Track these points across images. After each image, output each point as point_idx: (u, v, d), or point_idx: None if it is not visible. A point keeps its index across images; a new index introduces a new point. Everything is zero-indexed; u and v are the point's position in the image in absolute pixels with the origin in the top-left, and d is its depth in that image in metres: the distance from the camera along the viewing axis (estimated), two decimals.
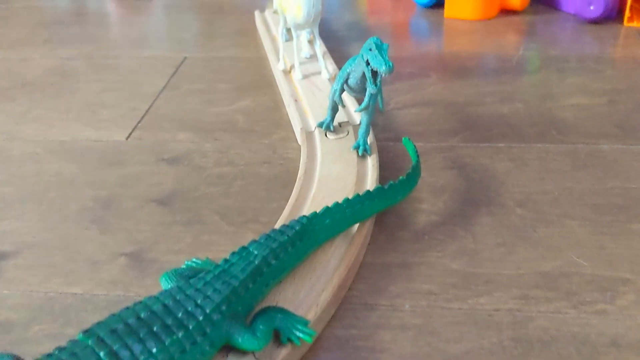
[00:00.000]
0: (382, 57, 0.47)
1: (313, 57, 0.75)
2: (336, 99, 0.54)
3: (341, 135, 0.58)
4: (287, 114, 0.67)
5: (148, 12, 1.04)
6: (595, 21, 0.87)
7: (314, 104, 0.65)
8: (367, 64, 0.49)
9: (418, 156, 0.50)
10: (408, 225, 0.49)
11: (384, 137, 0.62)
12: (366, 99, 0.53)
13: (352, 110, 0.63)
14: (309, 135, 0.59)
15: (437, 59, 0.79)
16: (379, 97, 0.53)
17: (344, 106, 0.55)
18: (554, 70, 0.75)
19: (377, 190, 0.46)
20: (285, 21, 0.72)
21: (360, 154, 0.55)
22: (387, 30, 0.91)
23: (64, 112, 0.71)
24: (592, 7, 0.85)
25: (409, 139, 0.54)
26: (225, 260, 0.38)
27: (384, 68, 0.47)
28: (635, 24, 0.86)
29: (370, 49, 0.48)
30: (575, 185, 0.53)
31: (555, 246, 0.46)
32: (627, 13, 0.85)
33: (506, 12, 0.94)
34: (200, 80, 0.77)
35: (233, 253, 0.39)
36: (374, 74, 0.49)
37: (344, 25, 0.93)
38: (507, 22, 0.91)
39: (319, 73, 0.71)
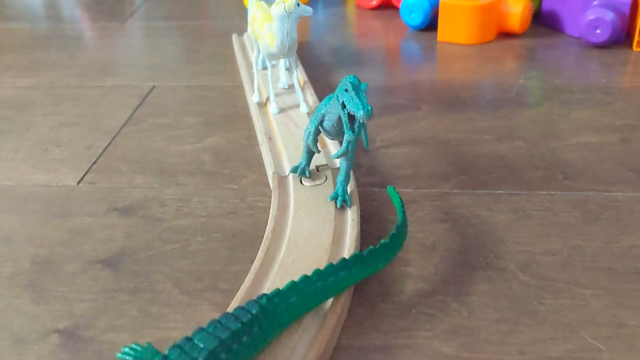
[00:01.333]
0: (360, 100, 0.41)
1: (291, 87, 0.69)
2: (310, 143, 0.48)
3: (318, 182, 0.52)
4: (260, 151, 0.61)
5: (120, 36, 0.98)
6: (601, 45, 0.81)
7: (290, 143, 0.58)
8: (343, 106, 0.42)
9: (404, 213, 0.44)
10: (392, 296, 0.42)
11: (367, 181, 0.56)
12: (344, 144, 0.46)
13: (331, 153, 0.56)
14: (281, 180, 0.53)
15: (428, 89, 0.73)
16: (363, 134, 0.47)
17: (318, 151, 0.49)
18: (557, 103, 0.68)
19: (355, 258, 0.39)
20: (259, 49, 0.65)
21: (338, 206, 0.48)
22: (376, 55, 0.85)
23: (12, 150, 0.64)
24: (598, 31, 0.79)
25: (394, 189, 0.47)
26: (164, 357, 0.32)
27: (361, 113, 0.40)
28: None
29: (347, 90, 0.42)
30: (586, 243, 0.46)
31: (565, 323, 0.39)
32: (636, 37, 0.79)
33: (504, 35, 0.88)
34: (167, 113, 0.71)
35: (173, 346, 0.32)
36: (351, 118, 0.43)
37: (328, 50, 0.87)
38: (506, 46, 0.85)
39: (298, 106, 0.65)
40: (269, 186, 0.55)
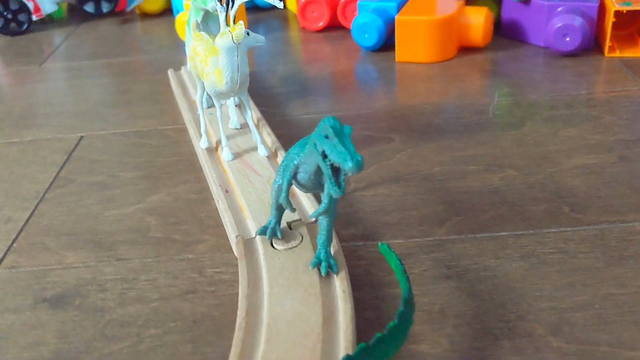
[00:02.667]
0: (346, 148, 0.33)
1: (244, 125, 0.61)
2: (282, 201, 0.40)
3: (293, 244, 0.43)
4: (215, 207, 0.52)
5: (38, 80, 0.87)
6: (571, 54, 0.76)
7: (251, 195, 0.50)
8: (324, 156, 0.34)
9: (408, 280, 0.36)
10: None
11: (348, 234, 0.48)
12: (324, 200, 0.38)
13: (305, 205, 0.48)
14: (248, 245, 0.44)
15: (397, 116, 0.66)
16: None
17: (293, 210, 0.41)
18: (541, 121, 0.63)
19: (360, 351, 0.31)
20: (203, 86, 0.57)
21: (323, 274, 0.40)
22: (331, 81, 0.77)
23: None
24: (567, 39, 0.74)
25: (388, 246, 0.39)
26: None
27: (350, 165, 0.32)
28: (617, 53, 0.76)
29: (327, 136, 0.34)
30: (618, 290, 0.40)
31: None
32: (607, 42, 0.75)
33: (465, 50, 0.82)
34: (100, 169, 0.61)
35: None
36: (336, 170, 0.35)
37: (278, 80, 0.79)
38: (470, 62, 0.79)
39: (255, 149, 0.56)
40: (232, 251, 0.47)
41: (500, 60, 0.79)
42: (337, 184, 0.35)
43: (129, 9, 1.06)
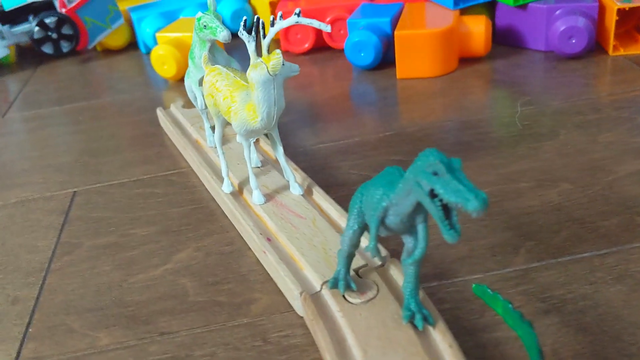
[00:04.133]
0: (464, 185, 0.29)
1: (264, 163, 0.56)
2: (371, 250, 0.35)
3: (370, 295, 0.39)
4: (256, 260, 0.47)
5: (4, 133, 0.79)
6: (576, 56, 0.75)
7: (302, 242, 0.45)
8: (433, 196, 0.30)
9: (531, 325, 0.32)
10: None
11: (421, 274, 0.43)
12: (421, 244, 0.34)
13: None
14: (316, 302, 0.39)
15: (420, 136, 0.63)
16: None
17: (384, 259, 0.36)
18: (573, 128, 0.60)
19: None
20: (222, 126, 0.51)
21: (420, 328, 0.35)
22: (333, 106, 0.73)
23: None
24: (573, 41, 0.73)
25: (486, 288, 0.35)
26: None
27: (475, 205, 0.28)
28: (622, 52, 0.75)
29: (436, 173, 0.30)
30: None
31: None
32: (611, 41, 0.74)
33: (465, 60, 0.80)
34: (107, 228, 0.54)
35: None
36: (447, 211, 0.30)
37: None
38: (475, 72, 0.77)
39: (285, 188, 0.51)
40: (293, 310, 0.41)
41: (505, 69, 0.77)
42: (451, 225, 0.30)
43: (91, 46, 0.99)
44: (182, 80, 0.87)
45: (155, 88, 0.87)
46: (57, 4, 0.96)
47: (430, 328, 0.36)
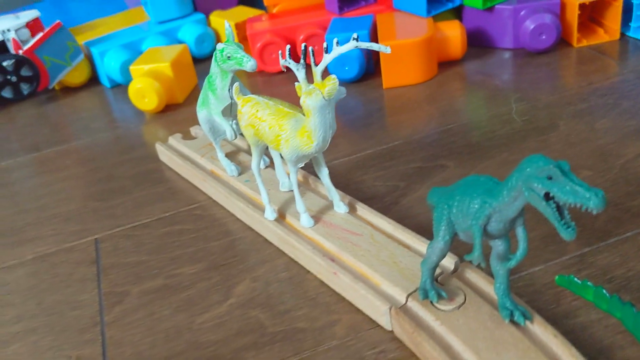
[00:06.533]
0: (580, 186, 0.31)
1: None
2: (477, 258, 0.36)
3: (459, 301, 0.40)
4: (320, 282, 0.47)
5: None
6: (545, 51, 0.80)
7: (370, 259, 0.46)
8: (549, 198, 0.32)
9: (631, 304, 0.35)
10: None
11: (482, 273, 0.45)
12: (523, 244, 0.36)
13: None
14: (407, 314, 0.40)
15: (429, 142, 0.65)
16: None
17: (485, 265, 0.38)
18: (570, 119, 0.65)
19: None
20: (260, 154, 0.51)
21: (523, 323, 0.38)
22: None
23: None
24: (543, 37, 0.78)
25: (571, 277, 0.38)
26: None
27: (596, 202, 0.31)
28: (585, 43, 0.81)
29: (550, 177, 0.32)
30: None
31: None
32: (575, 34, 0.80)
33: (443, 64, 0.83)
34: (149, 272, 0.53)
35: None
36: (560, 209, 0.33)
37: None
38: (455, 75, 0.80)
39: (328, 209, 0.52)
40: (376, 325, 0.42)
41: (483, 69, 0.81)
42: (567, 223, 0.33)
43: (52, 85, 0.95)
44: (161, 112, 0.86)
45: (133, 123, 0.85)
46: (10, 46, 0.91)
47: (529, 323, 0.38)
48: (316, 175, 0.54)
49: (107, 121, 0.88)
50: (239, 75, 0.91)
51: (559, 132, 0.63)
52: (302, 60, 0.45)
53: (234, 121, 0.58)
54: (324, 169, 0.50)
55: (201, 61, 1.01)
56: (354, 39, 0.42)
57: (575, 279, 0.39)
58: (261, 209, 0.55)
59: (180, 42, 1.01)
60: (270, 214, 0.53)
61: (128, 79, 0.93)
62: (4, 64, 0.90)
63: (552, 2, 0.79)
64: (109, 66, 0.94)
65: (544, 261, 0.46)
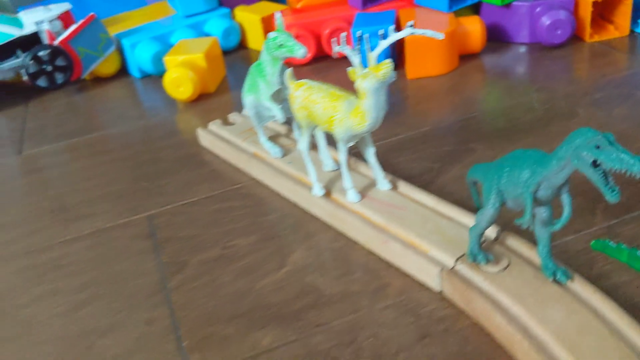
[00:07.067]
0: (626, 154, 0.35)
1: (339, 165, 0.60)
2: (527, 222, 0.40)
3: (504, 263, 0.45)
4: (367, 251, 0.51)
5: (30, 170, 0.78)
6: (560, 45, 0.85)
7: (418, 229, 0.50)
8: (595, 165, 0.37)
9: None
10: None
11: (519, 243, 0.50)
12: (567, 209, 0.40)
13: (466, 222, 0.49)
14: (457, 275, 0.44)
15: (457, 128, 0.69)
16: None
17: (532, 229, 0.42)
18: (588, 107, 0.69)
19: None
20: (310, 135, 0.55)
21: (565, 282, 0.42)
22: None
23: None
24: (559, 32, 0.83)
25: (607, 242, 0.42)
26: None
27: (638, 167, 0.35)
28: (596, 38, 0.86)
29: (598, 146, 0.36)
30: None
31: None
32: (588, 30, 0.84)
33: (464, 57, 0.87)
34: (204, 244, 0.57)
35: None
36: (605, 175, 0.37)
37: None
38: (477, 67, 0.85)
39: (370, 187, 0.56)
40: (425, 287, 0.47)
41: (503, 62, 0.86)
42: (612, 187, 0.37)
43: (84, 75, 0.98)
44: (193, 101, 0.89)
45: (166, 112, 0.89)
46: (44, 37, 0.95)
47: (570, 282, 0.43)
48: (356, 157, 0.58)
49: (140, 110, 0.91)
50: None
51: (579, 119, 0.67)
52: (356, 47, 0.49)
53: (281, 105, 0.62)
54: (371, 148, 0.54)
55: (227, 53, 1.05)
56: (408, 25, 0.46)
57: (610, 243, 0.43)
58: (307, 187, 0.59)
59: (207, 35, 1.05)
60: (318, 190, 0.57)
61: (159, 69, 0.97)
62: (40, 54, 0.93)
63: None
64: (140, 57, 0.98)
65: (575, 232, 0.50)
